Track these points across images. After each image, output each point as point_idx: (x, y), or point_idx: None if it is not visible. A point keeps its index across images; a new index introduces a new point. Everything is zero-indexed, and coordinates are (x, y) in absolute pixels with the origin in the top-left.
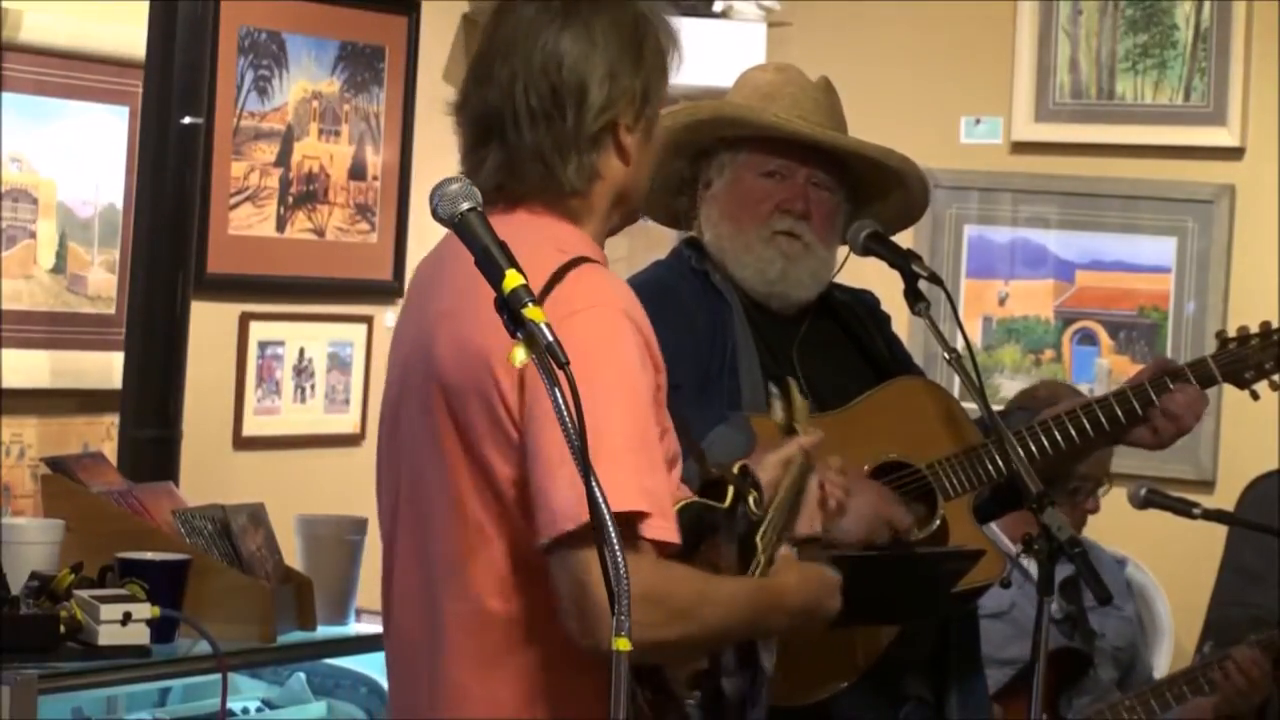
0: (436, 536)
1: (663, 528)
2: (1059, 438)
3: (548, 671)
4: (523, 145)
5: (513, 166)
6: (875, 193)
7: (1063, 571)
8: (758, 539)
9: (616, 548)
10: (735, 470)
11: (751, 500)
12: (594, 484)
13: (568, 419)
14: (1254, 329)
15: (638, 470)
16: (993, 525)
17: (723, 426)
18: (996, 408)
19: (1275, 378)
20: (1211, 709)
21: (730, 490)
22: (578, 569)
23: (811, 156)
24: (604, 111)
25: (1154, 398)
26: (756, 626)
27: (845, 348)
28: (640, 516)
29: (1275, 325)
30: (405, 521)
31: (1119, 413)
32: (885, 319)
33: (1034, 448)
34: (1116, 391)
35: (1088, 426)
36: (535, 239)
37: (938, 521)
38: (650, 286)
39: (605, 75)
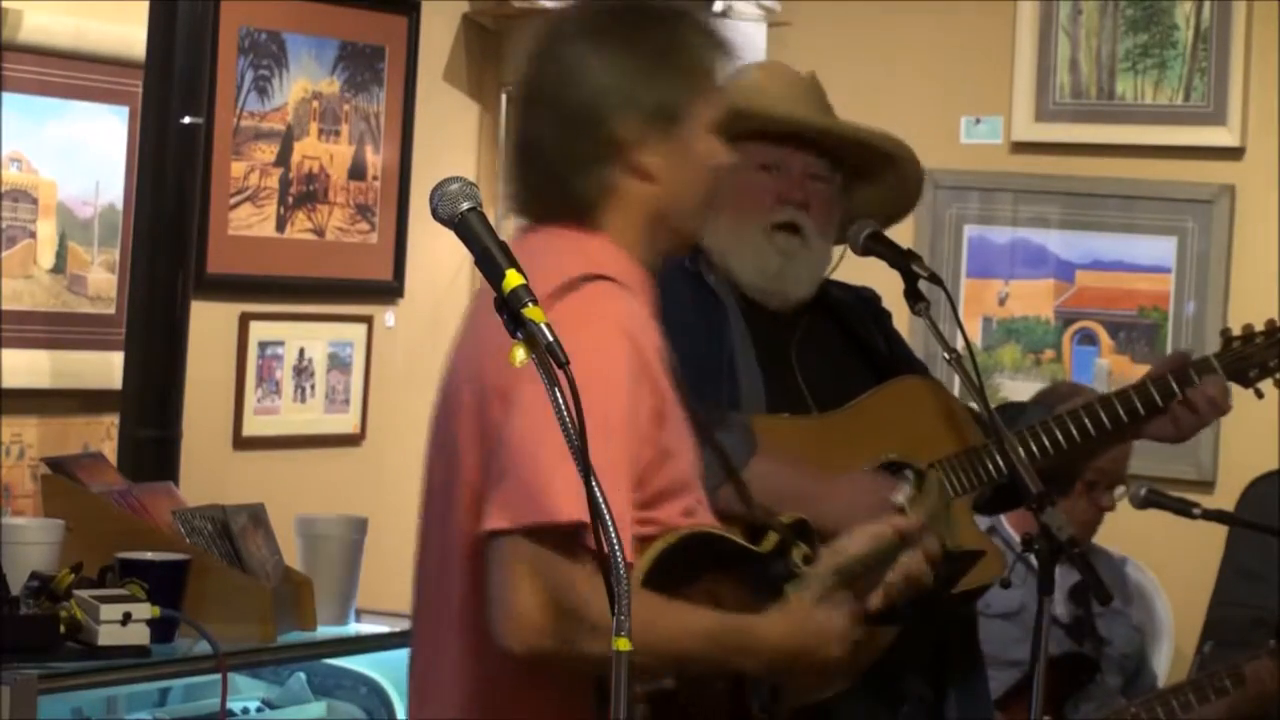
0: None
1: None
2: (1074, 431)
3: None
4: (545, 163)
5: (539, 185)
6: (869, 179)
7: (1073, 576)
8: (789, 588)
9: (617, 548)
10: (787, 521)
11: (799, 554)
12: (594, 485)
13: (567, 419)
14: (1259, 327)
15: (568, 480)
16: (1002, 520)
17: (721, 434)
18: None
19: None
20: (1227, 710)
21: (773, 538)
22: (504, 568)
23: (806, 147)
24: (613, 130)
25: (1177, 390)
26: (718, 662)
27: (844, 346)
28: (584, 527)
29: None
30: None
31: (1138, 405)
32: (886, 316)
33: (1034, 446)
34: (1136, 384)
35: (1105, 420)
36: (560, 252)
37: None
38: None
39: (620, 95)
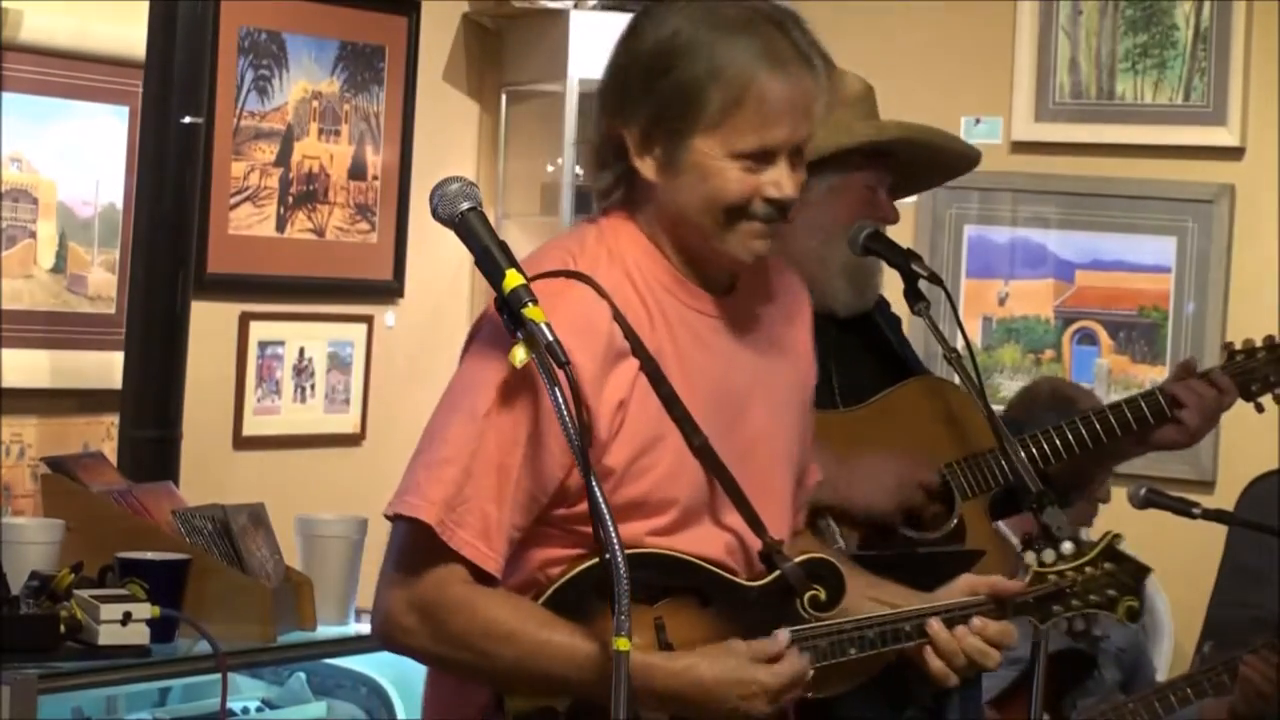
0: None
1: (471, 546)
2: (1085, 436)
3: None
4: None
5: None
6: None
7: None
8: (782, 630)
9: (617, 548)
10: (803, 559)
11: (808, 597)
12: (594, 484)
13: (567, 419)
14: (1259, 342)
15: (441, 480)
16: (999, 524)
17: None
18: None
19: None
20: (1228, 711)
21: (772, 575)
22: (385, 557)
23: (885, 163)
24: (608, 123)
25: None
26: (593, 686)
27: (873, 351)
28: (427, 528)
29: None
30: None
31: (1146, 412)
32: (897, 321)
33: (1048, 448)
34: (1145, 392)
35: (1114, 425)
36: (573, 239)
37: (955, 520)
38: None
39: (617, 87)
